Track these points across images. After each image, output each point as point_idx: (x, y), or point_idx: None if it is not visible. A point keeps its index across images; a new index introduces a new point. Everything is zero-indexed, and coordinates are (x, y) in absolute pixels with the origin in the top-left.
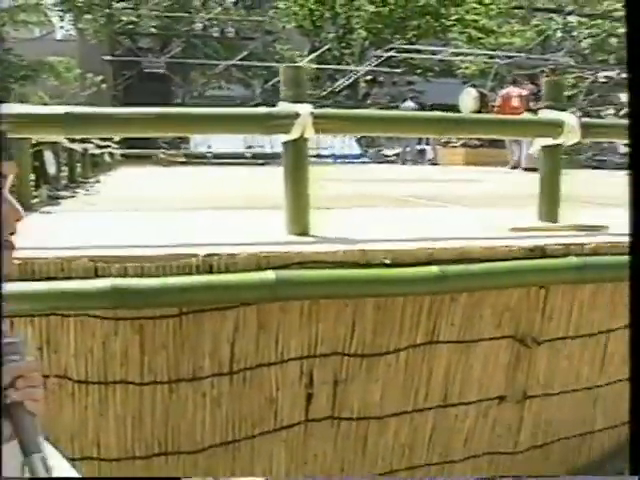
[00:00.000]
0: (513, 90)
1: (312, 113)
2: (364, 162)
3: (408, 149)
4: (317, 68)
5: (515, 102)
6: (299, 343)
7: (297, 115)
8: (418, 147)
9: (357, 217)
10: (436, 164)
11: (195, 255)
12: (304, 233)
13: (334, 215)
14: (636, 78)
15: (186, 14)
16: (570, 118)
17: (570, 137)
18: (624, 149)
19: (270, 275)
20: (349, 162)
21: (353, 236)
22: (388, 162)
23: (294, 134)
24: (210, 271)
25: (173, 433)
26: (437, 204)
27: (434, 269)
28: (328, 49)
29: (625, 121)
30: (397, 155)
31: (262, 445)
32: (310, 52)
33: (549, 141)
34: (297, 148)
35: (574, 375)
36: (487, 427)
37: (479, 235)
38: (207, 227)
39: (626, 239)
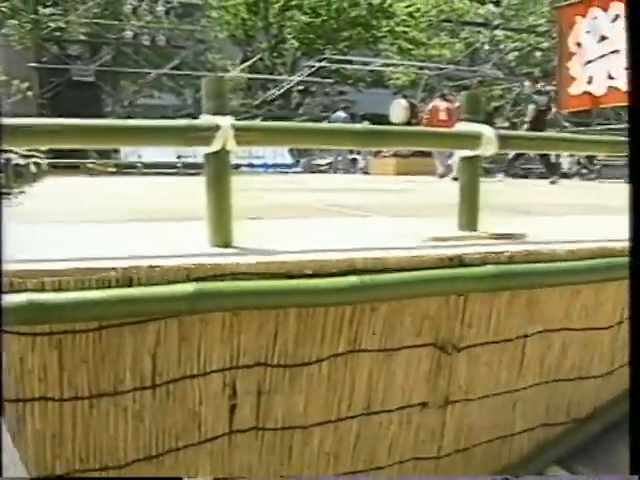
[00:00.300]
0: (441, 104)
1: (233, 125)
2: (296, 171)
3: (340, 158)
4: (249, 78)
5: (442, 115)
6: (221, 355)
7: (218, 127)
8: (350, 156)
9: (281, 227)
10: (367, 173)
11: (114, 268)
12: (227, 245)
13: (259, 226)
14: (636, 78)
15: (116, 22)
16: (487, 130)
17: (488, 149)
18: (552, 158)
19: (189, 287)
20: (281, 171)
21: (275, 247)
22: (320, 171)
23: (215, 146)
24: (130, 284)
25: (95, 449)
26: (362, 213)
27: (353, 279)
28: (260, 59)
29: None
30: (329, 164)
31: (187, 458)
32: (242, 61)
33: (468, 152)
34: (219, 160)
35: (494, 380)
36: (411, 433)
37: (399, 245)
38: (129, 239)
39: (542, 247)
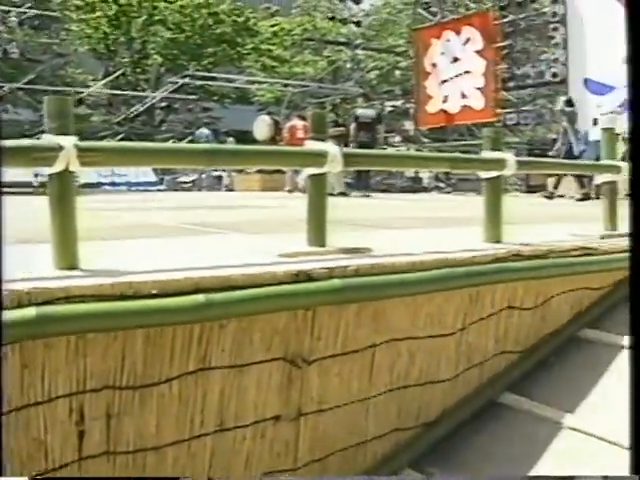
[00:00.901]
0: (298, 122)
1: (76, 146)
2: (160, 189)
3: (204, 176)
4: (111, 93)
5: (300, 134)
6: (67, 380)
7: (61, 148)
8: (214, 174)
9: (133, 248)
10: (232, 190)
11: None
12: (72, 267)
13: (108, 246)
14: (636, 80)
15: None
16: (333, 149)
17: (333, 166)
18: (410, 174)
19: (31, 312)
20: (145, 190)
21: (123, 268)
22: (185, 189)
23: (58, 167)
24: None
25: None
26: (219, 231)
27: (200, 297)
28: (123, 74)
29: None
30: (193, 182)
31: None
32: (104, 76)
33: (315, 170)
34: (62, 181)
35: (345, 390)
36: (265, 447)
37: (247, 262)
38: None
39: (385, 260)
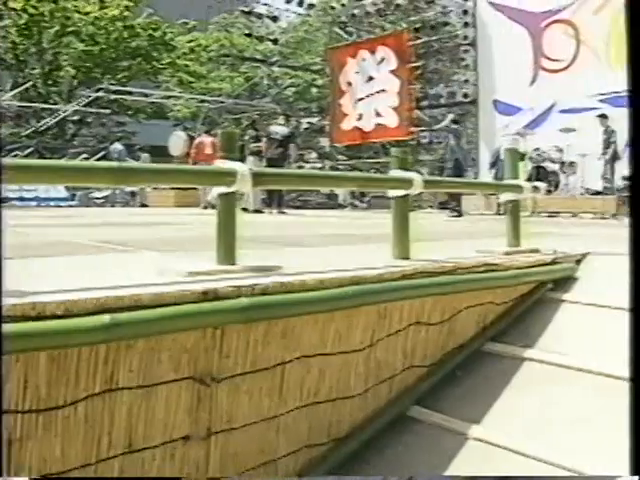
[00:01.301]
0: (206, 139)
1: None
2: (71, 205)
3: (117, 191)
4: (20, 105)
5: (208, 150)
6: None
7: None
8: (128, 189)
9: (37, 266)
10: (146, 206)
11: None
12: None
13: (11, 265)
14: (636, 81)
15: None
16: (242, 168)
17: (242, 185)
18: (326, 190)
19: None
20: (55, 205)
21: (26, 288)
22: (97, 205)
23: None
24: None
25: None
26: (126, 249)
27: (105, 318)
28: (33, 85)
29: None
30: (106, 197)
31: None
32: (12, 87)
33: (224, 189)
34: None
35: (255, 407)
36: (175, 468)
37: (155, 281)
38: None
39: (294, 278)
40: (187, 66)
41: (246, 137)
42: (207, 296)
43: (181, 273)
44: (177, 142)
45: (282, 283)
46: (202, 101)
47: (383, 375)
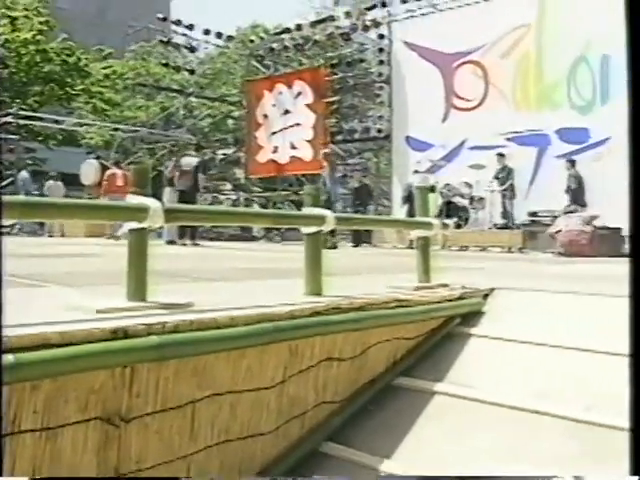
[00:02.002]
0: (117, 171)
1: None
2: None
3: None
4: None
5: (120, 182)
6: None
7: None
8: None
9: None
10: (53, 236)
11: None
12: None
13: None
14: (636, 82)
15: None
16: (154, 204)
17: (155, 221)
18: None
19: None
20: None
21: None
22: (2, 234)
23: None
24: None
25: None
26: (32, 283)
27: (9, 358)
28: None
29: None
30: (13, 226)
31: None
32: None
33: (135, 225)
34: None
35: (165, 447)
36: None
37: (63, 318)
38: None
39: (204, 315)
40: (101, 93)
41: (164, 167)
42: (117, 334)
43: (90, 310)
44: (89, 170)
45: (193, 320)
46: (116, 129)
47: (295, 411)
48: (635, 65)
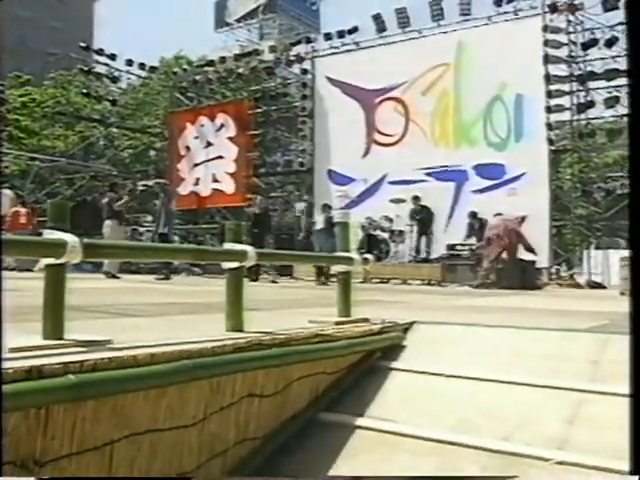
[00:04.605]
0: (21, 209)
1: None
2: None
3: None
4: None
5: (23, 219)
6: None
7: None
8: None
9: None
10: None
11: None
12: None
13: None
14: (636, 83)
15: None
16: (72, 239)
17: (72, 257)
18: None
19: None
20: None
21: None
22: None
23: None
24: None
25: None
26: None
27: None
28: None
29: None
30: None
31: None
32: None
33: (52, 260)
34: None
35: None
36: None
37: None
38: None
39: (124, 353)
40: (18, 121)
41: (105, 200)
42: (31, 374)
43: (5, 349)
44: (3, 201)
45: (112, 358)
46: (33, 159)
47: (217, 449)
48: (635, 65)
